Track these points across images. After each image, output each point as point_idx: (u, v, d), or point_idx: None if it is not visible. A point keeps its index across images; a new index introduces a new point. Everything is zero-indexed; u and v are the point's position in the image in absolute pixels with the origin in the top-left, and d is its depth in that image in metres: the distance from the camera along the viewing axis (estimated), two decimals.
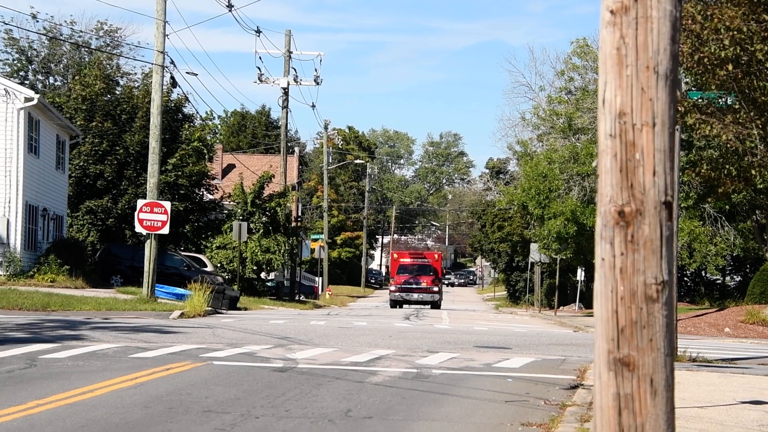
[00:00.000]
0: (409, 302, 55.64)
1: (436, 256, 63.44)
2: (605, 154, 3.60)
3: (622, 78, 3.55)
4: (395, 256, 62.69)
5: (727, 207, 39.36)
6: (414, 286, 55.92)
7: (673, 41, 3.53)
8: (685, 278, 54.64)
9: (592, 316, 43.29)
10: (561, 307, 52.82)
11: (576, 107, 47.10)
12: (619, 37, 3.54)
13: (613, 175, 3.57)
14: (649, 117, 3.53)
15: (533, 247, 49.85)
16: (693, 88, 23.96)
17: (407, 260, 60.18)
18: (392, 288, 57.18)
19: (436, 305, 55.28)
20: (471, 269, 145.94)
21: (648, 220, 3.54)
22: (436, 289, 56.36)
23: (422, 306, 55.17)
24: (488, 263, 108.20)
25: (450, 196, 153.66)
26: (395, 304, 55.88)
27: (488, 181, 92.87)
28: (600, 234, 3.61)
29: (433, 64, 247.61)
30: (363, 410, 10.33)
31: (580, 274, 53.41)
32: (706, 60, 20.75)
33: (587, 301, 55.08)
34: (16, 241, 35.17)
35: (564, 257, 46.45)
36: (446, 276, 65.23)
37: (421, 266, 58.88)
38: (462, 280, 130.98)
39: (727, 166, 23.79)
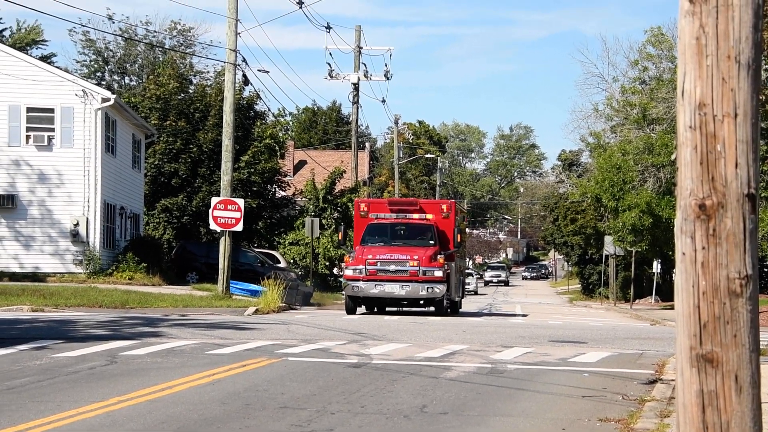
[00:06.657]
0: (384, 301, 29.52)
1: (443, 208, 30.89)
2: (685, 147, 3.52)
3: (701, 68, 3.46)
4: (363, 208, 31.19)
5: None
6: (392, 268, 28.40)
7: (755, 29, 3.44)
8: (766, 269, 53.37)
9: (669, 309, 42.59)
10: (636, 300, 52.08)
11: (650, 97, 46.37)
12: (698, 27, 3.46)
13: (693, 167, 3.49)
14: (731, 108, 3.45)
15: (607, 239, 49.24)
16: None
17: (385, 217, 30.55)
18: (349, 271, 28.86)
19: (440, 308, 28.90)
20: (543, 263, 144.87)
21: (730, 213, 3.46)
22: (439, 273, 28.38)
23: (413, 308, 30.36)
24: (561, 256, 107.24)
25: (522, 189, 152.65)
26: (354, 303, 29.14)
27: (560, 173, 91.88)
28: (680, 228, 3.53)
29: (505, 56, 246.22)
30: (438, 406, 10.31)
31: (657, 267, 52.58)
32: None
33: (664, 294, 54.24)
34: (95, 239, 35.91)
35: (639, 249, 45.79)
36: (457, 245, 30.26)
37: (412, 227, 30.00)
38: (534, 274, 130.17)
39: None
